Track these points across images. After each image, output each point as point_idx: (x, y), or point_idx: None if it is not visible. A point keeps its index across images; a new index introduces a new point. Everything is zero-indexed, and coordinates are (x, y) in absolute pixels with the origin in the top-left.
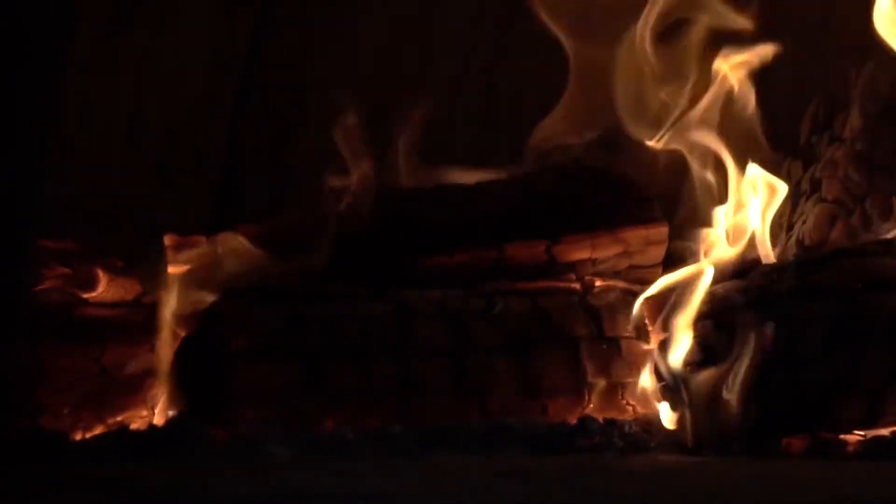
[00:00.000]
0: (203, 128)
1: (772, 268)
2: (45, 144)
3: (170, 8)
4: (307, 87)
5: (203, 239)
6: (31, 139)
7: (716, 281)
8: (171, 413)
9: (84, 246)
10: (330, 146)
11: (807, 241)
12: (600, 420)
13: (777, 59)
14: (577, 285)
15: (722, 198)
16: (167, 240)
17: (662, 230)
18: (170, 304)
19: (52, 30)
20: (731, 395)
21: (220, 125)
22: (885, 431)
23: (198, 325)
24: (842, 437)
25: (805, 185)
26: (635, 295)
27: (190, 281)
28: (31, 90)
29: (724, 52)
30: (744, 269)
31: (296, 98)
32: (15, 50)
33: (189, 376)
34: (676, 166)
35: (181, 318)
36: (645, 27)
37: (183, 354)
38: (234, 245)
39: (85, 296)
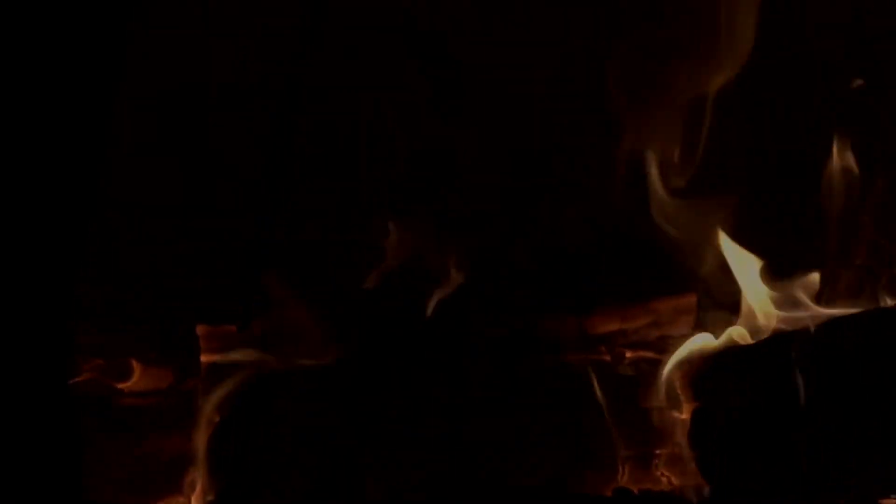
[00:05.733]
0: None
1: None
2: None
3: None
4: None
5: (233, 328)
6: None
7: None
8: (207, 499)
9: (118, 337)
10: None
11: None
12: (635, 492)
13: None
14: (608, 357)
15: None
16: (199, 329)
17: (691, 300)
18: (204, 392)
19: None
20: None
21: None
22: None
23: (232, 409)
24: None
25: None
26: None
27: (225, 367)
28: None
29: None
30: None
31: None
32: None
33: (225, 461)
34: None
35: (217, 404)
36: None
37: (218, 440)
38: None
39: (120, 386)
